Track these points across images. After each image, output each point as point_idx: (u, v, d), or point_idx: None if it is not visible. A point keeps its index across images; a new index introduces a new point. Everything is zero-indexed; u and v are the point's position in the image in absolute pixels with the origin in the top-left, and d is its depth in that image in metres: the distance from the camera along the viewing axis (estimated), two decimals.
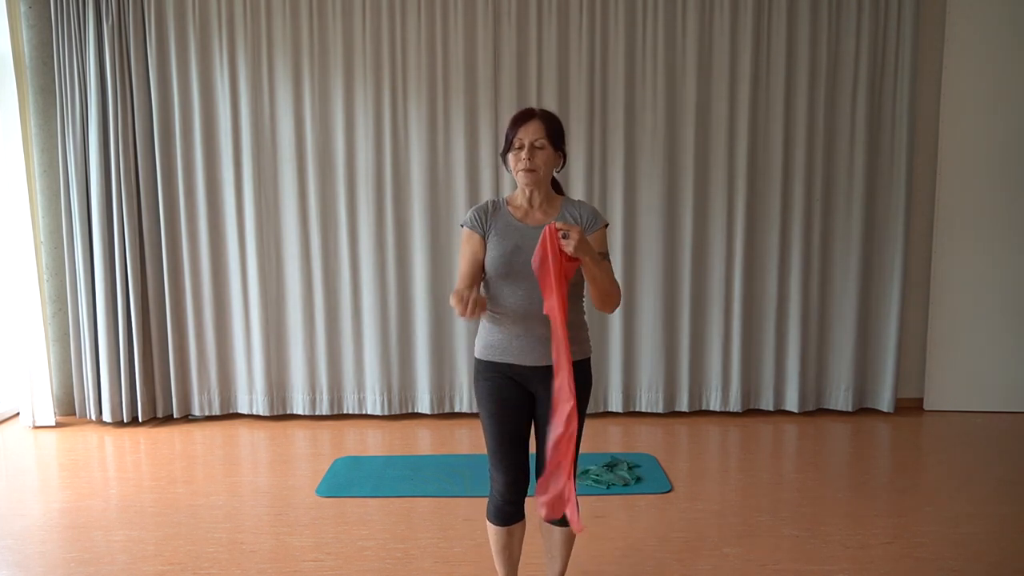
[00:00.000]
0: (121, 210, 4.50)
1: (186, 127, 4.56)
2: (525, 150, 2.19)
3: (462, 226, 2.30)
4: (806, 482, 3.70)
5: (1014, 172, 4.66)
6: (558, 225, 2.05)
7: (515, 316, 2.22)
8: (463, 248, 2.28)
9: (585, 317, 2.36)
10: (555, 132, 2.23)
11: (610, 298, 2.19)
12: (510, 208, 2.29)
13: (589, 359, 2.34)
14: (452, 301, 2.05)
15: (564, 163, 2.31)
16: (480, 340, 2.34)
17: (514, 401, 2.28)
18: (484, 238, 2.25)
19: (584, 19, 4.49)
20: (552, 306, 2.08)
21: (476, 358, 2.34)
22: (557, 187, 2.37)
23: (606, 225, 2.30)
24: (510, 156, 2.24)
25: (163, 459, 4.12)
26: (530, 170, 2.20)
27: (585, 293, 2.31)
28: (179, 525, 3.25)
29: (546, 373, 2.21)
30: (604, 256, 2.22)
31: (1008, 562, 2.88)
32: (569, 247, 2.02)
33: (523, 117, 2.22)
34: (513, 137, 2.21)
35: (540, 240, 2.07)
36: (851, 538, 3.08)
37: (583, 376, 2.27)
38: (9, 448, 4.35)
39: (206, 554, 2.98)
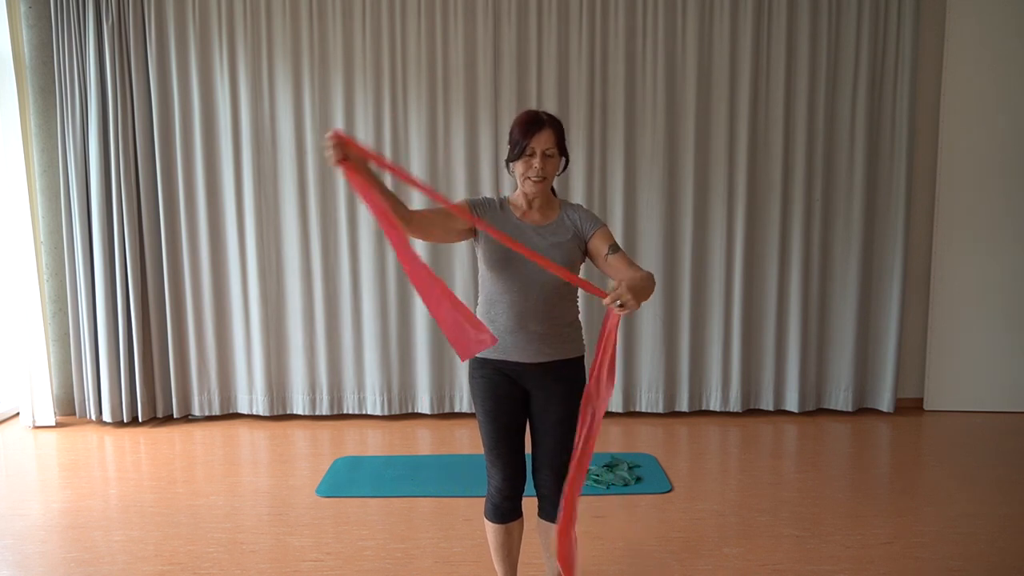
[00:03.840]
0: (121, 210, 4.50)
1: (186, 127, 4.56)
2: (537, 159, 2.16)
3: (464, 200, 2.26)
4: (806, 482, 3.70)
5: (1014, 172, 4.66)
6: (606, 302, 1.89)
7: (509, 313, 2.22)
8: (450, 204, 2.21)
9: (580, 316, 2.36)
10: (562, 138, 2.22)
11: (650, 292, 2.04)
12: (512, 207, 2.30)
13: (583, 357, 2.34)
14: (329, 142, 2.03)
15: (567, 165, 2.30)
16: None
17: (510, 398, 2.29)
18: (479, 219, 2.19)
19: (584, 19, 4.48)
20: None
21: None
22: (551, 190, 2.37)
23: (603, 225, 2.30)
24: (518, 163, 2.19)
25: (163, 459, 4.12)
26: (542, 179, 2.18)
27: (582, 294, 2.30)
28: (179, 525, 3.25)
29: (541, 370, 2.24)
30: (616, 247, 2.20)
31: (1008, 562, 2.88)
32: (631, 307, 1.87)
33: (534, 124, 2.16)
34: (525, 145, 2.15)
35: (606, 335, 2.02)
36: (851, 538, 3.08)
37: (577, 375, 2.29)
38: (9, 448, 4.35)
39: (206, 554, 2.99)
